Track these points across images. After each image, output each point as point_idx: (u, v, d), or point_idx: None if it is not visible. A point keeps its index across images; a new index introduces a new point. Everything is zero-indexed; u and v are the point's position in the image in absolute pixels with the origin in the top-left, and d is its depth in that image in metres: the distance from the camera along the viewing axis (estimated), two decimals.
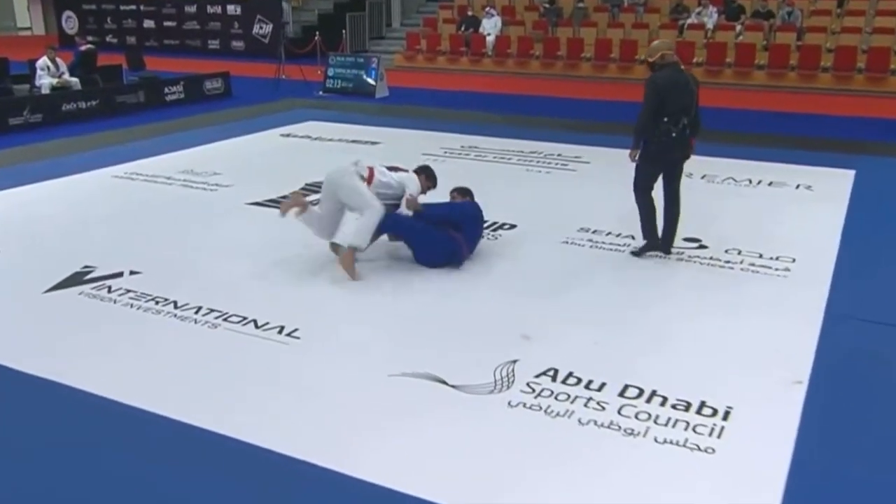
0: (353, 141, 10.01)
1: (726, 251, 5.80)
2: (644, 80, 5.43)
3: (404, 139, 10.16)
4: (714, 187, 7.71)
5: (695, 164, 8.11)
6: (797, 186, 7.66)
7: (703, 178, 8.01)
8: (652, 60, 5.39)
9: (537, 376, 3.92)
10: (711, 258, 5.67)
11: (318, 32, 17.32)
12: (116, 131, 10.58)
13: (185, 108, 12.60)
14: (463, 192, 5.80)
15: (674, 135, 5.27)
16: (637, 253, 5.65)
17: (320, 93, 14.46)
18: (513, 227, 6.42)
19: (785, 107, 12.68)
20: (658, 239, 5.62)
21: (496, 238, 6.15)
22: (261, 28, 20.92)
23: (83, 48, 13.37)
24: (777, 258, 5.64)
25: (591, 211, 6.82)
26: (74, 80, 12.29)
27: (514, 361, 4.09)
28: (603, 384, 3.84)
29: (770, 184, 7.76)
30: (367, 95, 14.01)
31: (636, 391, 3.77)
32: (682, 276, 5.34)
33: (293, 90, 14.38)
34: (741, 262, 5.57)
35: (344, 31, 18.77)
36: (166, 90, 13.03)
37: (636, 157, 5.44)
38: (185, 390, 3.84)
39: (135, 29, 23.05)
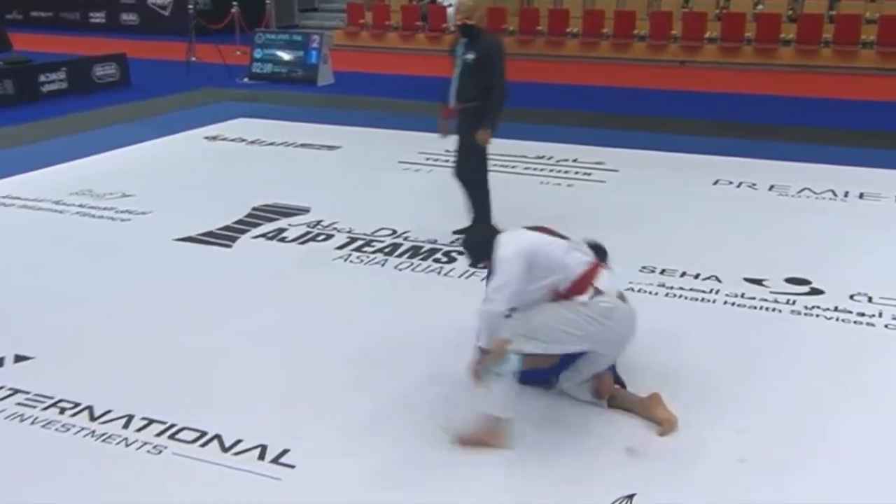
0: (303, 145, 8.96)
1: (852, 298, 5.00)
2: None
3: (369, 141, 9.17)
4: (790, 202, 6.97)
5: (756, 172, 7.83)
6: None
7: (771, 188, 7.28)
8: (472, 22, 5.54)
9: None
10: (837, 309, 4.87)
11: (234, 3, 16.13)
12: None
13: (69, 103, 11.32)
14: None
15: None
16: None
17: (245, 79, 13.37)
18: None
19: (821, 91, 12.20)
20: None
21: None
22: None
23: None
24: None
25: (648, 240, 5.97)
26: None
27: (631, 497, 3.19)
28: None
29: (861, 196, 7.06)
30: (307, 83, 12.97)
31: None
32: (820, 342, 4.50)
33: (210, 77, 13.22)
34: (879, 316, 4.78)
35: (267, 2, 17.64)
36: (42, 78, 11.73)
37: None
38: None
39: None
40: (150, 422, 3.70)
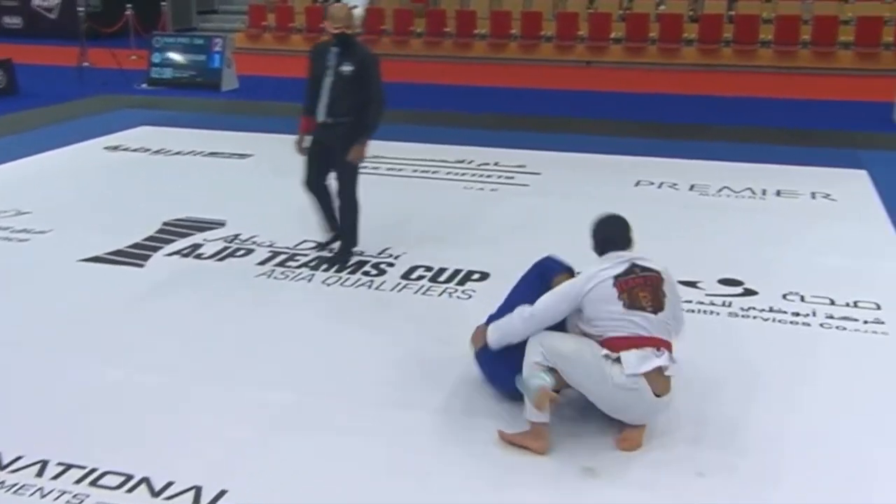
0: (212, 153, 8.57)
1: (785, 297, 5.04)
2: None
3: (282, 148, 8.57)
4: (711, 201, 7.05)
5: (676, 171, 7.89)
6: (813, 195, 7.13)
7: (692, 188, 7.35)
8: (350, 32, 5.33)
9: None
10: (772, 309, 4.89)
11: (128, 5, 15.43)
12: None
13: None
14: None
15: None
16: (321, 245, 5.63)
17: (144, 85, 12.78)
18: (484, 276, 5.37)
19: (724, 90, 12.50)
20: (335, 223, 5.64)
21: (468, 296, 5.07)
22: None
23: None
24: (855, 304, 4.93)
25: (579, 245, 5.84)
26: None
27: None
28: None
29: (778, 193, 7.19)
30: (210, 88, 12.48)
31: None
32: (760, 345, 4.49)
33: (106, 83, 12.58)
34: (814, 315, 4.81)
35: (163, 4, 16.97)
36: None
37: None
38: None
39: None
40: (68, 467, 3.36)
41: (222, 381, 4.08)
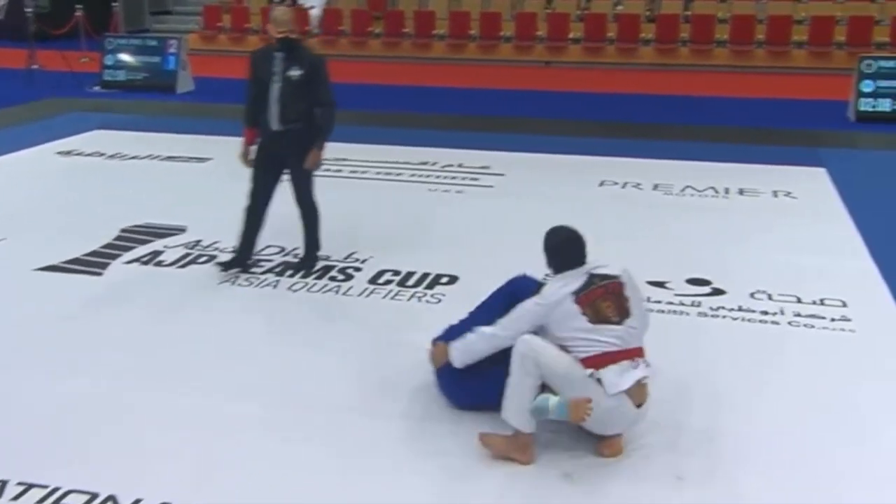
0: (170, 157, 8.41)
1: (753, 296, 5.06)
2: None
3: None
4: (675, 201, 7.08)
5: (640, 171, 7.92)
6: (774, 194, 7.20)
7: (656, 188, 7.39)
8: (295, 36, 5.20)
9: None
10: (741, 308, 4.91)
11: (78, 6, 15.09)
12: None
13: None
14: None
15: None
16: (223, 266, 5.34)
17: (97, 88, 12.51)
18: (453, 279, 5.32)
19: (680, 89, 12.62)
20: (248, 254, 5.38)
21: (438, 300, 5.01)
22: None
23: None
24: (822, 302, 4.97)
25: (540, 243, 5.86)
26: None
27: None
28: None
29: (741, 192, 7.25)
30: (165, 90, 12.25)
31: None
32: (731, 345, 4.50)
33: (56, 86, 12.30)
34: (782, 314, 4.84)
35: (115, 4, 16.64)
36: None
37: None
38: None
39: None
40: (29, 487, 3.24)
41: (186, 393, 3.97)
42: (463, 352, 3.65)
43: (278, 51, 5.09)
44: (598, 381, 3.32)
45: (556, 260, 3.63)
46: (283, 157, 5.25)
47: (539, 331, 3.52)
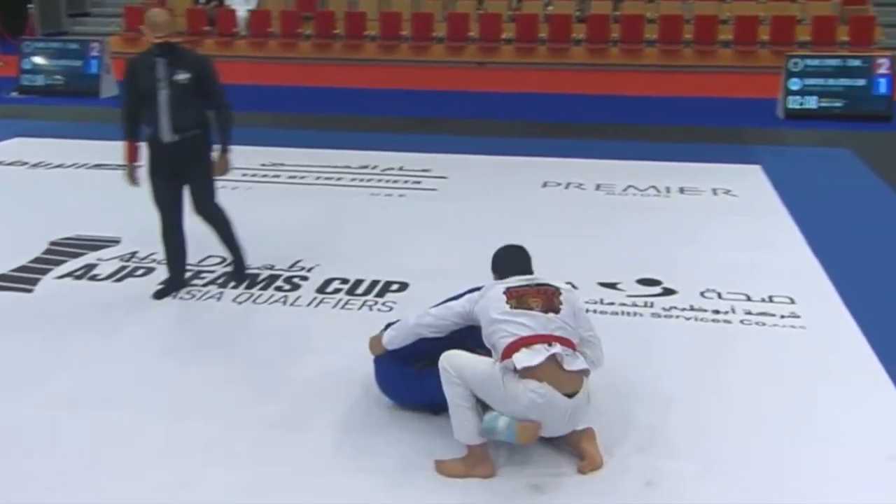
0: (97, 165, 8.09)
1: (703, 295, 5.09)
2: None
3: None
4: (618, 200, 7.11)
5: (581, 171, 7.93)
6: (714, 192, 7.29)
7: (598, 188, 7.41)
8: (175, 40, 4.81)
9: None
10: (693, 308, 4.93)
11: None
12: None
13: None
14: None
15: None
16: (157, 295, 4.99)
17: (14, 93, 12.03)
18: (403, 286, 5.21)
19: (612, 89, 12.76)
20: (180, 274, 5.12)
21: (390, 308, 4.90)
22: None
23: None
24: (771, 299, 5.03)
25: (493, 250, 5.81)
26: None
27: None
28: None
29: (681, 190, 7.32)
30: (87, 95, 11.84)
31: None
32: (687, 345, 4.50)
33: None
34: (733, 312, 4.88)
35: (30, 6, 16.05)
36: None
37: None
38: None
39: None
40: None
41: (120, 412, 3.77)
42: (395, 333, 3.65)
43: (159, 56, 4.70)
44: (515, 371, 3.21)
45: (500, 265, 3.65)
46: (179, 169, 4.88)
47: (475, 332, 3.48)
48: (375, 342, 3.75)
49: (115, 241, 5.92)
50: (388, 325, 3.80)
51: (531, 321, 3.30)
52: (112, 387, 4.01)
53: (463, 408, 3.30)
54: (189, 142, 4.81)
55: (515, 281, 3.50)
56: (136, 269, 5.47)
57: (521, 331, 3.28)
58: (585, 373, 3.34)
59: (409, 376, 3.71)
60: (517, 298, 3.38)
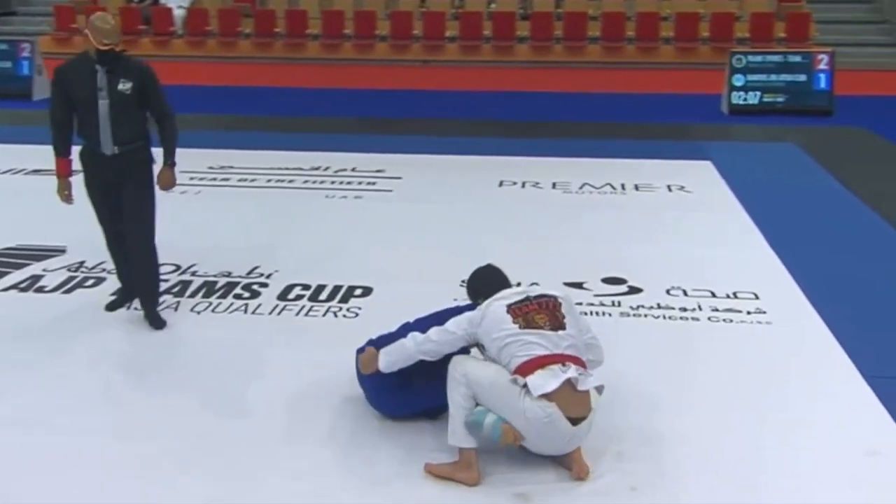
0: (35, 171, 7.76)
1: (669, 293, 5.10)
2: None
3: None
4: (575, 199, 7.12)
5: (536, 170, 7.90)
6: (669, 188, 7.35)
7: (554, 186, 7.41)
8: (120, 48, 4.46)
9: None
10: (660, 306, 4.93)
11: None
12: None
13: None
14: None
15: None
16: (109, 307, 4.81)
17: None
18: (367, 291, 5.10)
19: (556, 86, 12.82)
20: (132, 287, 4.79)
21: (355, 314, 4.79)
22: None
23: None
24: (735, 295, 5.06)
25: (459, 251, 5.73)
26: None
27: None
28: None
29: (637, 187, 7.36)
30: (19, 98, 11.43)
31: None
32: (657, 344, 4.48)
33: None
34: (700, 309, 4.89)
35: None
36: None
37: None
38: None
39: None
40: None
41: (75, 433, 3.59)
42: (394, 357, 3.49)
43: (99, 63, 4.35)
44: (525, 387, 3.19)
45: (482, 287, 3.59)
46: (118, 184, 4.53)
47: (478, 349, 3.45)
48: (368, 362, 3.57)
49: (61, 251, 5.68)
50: (371, 341, 3.68)
51: (543, 340, 3.28)
52: (67, 406, 3.80)
53: (463, 409, 3.26)
54: (129, 155, 4.49)
55: (512, 296, 3.44)
56: (86, 279, 5.25)
57: (534, 350, 3.24)
58: (599, 389, 3.32)
59: (410, 392, 3.60)
60: (524, 317, 3.33)
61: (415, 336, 3.48)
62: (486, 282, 3.63)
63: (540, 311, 3.37)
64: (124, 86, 4.41)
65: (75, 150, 4.59)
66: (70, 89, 4.43)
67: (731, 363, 4.29)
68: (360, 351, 3.70)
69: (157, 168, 4.62)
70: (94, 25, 4.34)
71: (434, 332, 3.45)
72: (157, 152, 4.60)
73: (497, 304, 3.40)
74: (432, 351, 3.43)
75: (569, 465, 3.32)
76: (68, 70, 4.48)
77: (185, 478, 3.28)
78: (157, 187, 4.62)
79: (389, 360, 3.50)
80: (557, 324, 3.35)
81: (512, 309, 3.35)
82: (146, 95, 4.51)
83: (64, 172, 4.63)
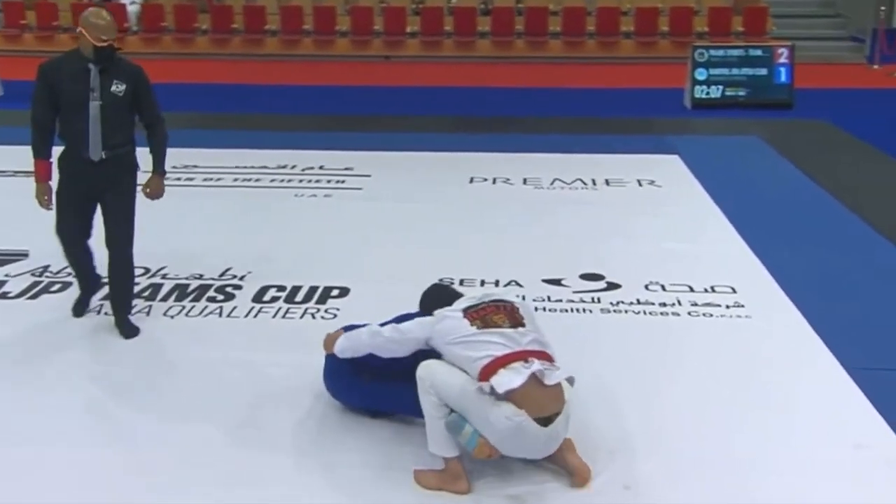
0: None
1: (647, 288, 5.10)
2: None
3: None
4: (546, 195, 7.09)
5: (507, 166, 7.87)
6: (639, 182, 7.36)
7: (525, 182, 7.38)
8: (118, 46, 4.32)
9: None
10: (640, 302, 4.92)
11: None
12: None
13: None
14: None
15: None
16: (75, 311, 4.66)
17: None
18: (344, 291, 5.02)
19: (518, 81, 12.83)
20: (95, 286, 4.69)
21: (333, 315, 4.70)
22: None
23: None
24: (713, 289, 5.07)
25: (434, 249, 5.72)
26: None
27: None
28: None
29: (607, 182, 7.36)
30: None
31: None
32: (638, 340, 4.47)
33: None
34: (679, 304, 4.89)
35: None
36: None
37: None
38: None
39: None
40: None
41: (50, 443, 3.47)
42: (348, 344, 3.50)
43: (93, 62, 4.16)
44: (492, 393, 3.08)
45: (434, 304, 3.48)
46: (99, 191, 4.36)
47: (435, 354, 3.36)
48: (330, 341, 3.60)
49: (23, 255, 5.50)
50: (349, 327, 3.64)
51: (502, 339, 3.20)
52: (38, 418, 3.68)
53: (436, 419, 3.18)
54: (115, 161, 4.32)
55: (467, 301, 3.39)
56: (51, 284, 5.09)
57: (494, 350, 3.15)
58: (570, 381, 3.26)
59: (355, 384, 3.60)
60: (481, 318, 3.26)
61: (371, 328, 3.47)
62: (437, 298, 3.55)
63: (498, 312, 3.31)
64: (118, 87, 4.24)
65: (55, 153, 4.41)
66: (58, 89, 4.20)
67: (714, 358, 4.29)
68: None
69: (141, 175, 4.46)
70: (90, 22, 4.14)
71: (388, 328, 3.41)
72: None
73: (451, 311, 3.33)
74: (381, 346, 3.39)
75: (570, 470, 3.26)
76: (56, 68, 4.25)
77: (160, 485, 3.18)
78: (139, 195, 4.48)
79: (344, 345, 3.52)
80: (515, 321, 3.29)
81: (468, 313, 3.29)
82: (138, 98, 4.35)
83: (43, 177, 4.39)
